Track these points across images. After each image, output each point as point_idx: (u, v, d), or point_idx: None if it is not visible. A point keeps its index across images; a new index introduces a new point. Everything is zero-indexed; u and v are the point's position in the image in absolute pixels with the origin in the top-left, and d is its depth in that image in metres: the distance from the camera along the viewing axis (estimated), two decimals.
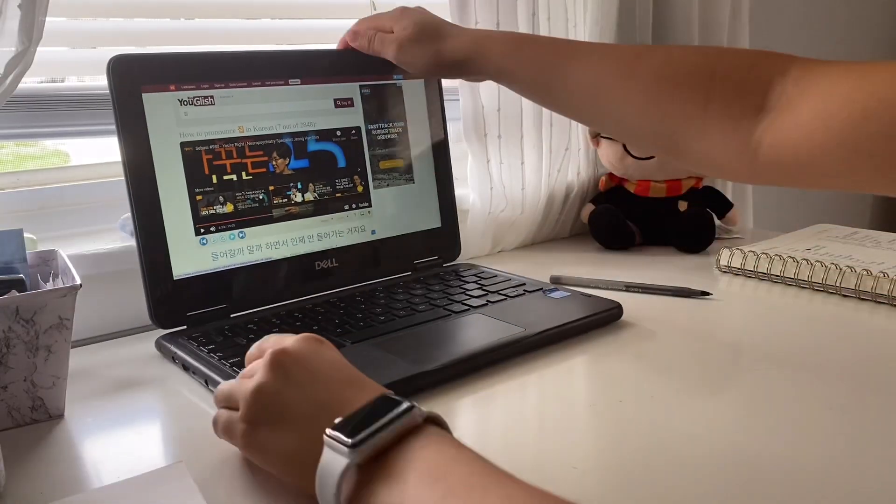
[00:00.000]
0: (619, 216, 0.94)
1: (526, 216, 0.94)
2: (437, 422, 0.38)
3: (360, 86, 0.76)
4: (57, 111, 0.72)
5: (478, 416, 0.53)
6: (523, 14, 0.87)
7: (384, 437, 0.36)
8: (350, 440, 0.35)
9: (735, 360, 0.62)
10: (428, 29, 0.68)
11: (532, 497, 0.32)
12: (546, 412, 0.53)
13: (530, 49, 0.63)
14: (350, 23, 0.89)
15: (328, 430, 0.37)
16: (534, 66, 0.62)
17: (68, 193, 0.76)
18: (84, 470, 0.47)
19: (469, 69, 0.67)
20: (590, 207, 0.97)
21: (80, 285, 0.50)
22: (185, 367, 0.59)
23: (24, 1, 0.56)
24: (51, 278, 0.57)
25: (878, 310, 0.70)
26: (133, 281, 0.70)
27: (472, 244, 0.91)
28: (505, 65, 0.64)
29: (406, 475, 0.34)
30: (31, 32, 0.56)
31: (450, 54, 0.67)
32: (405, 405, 0.37)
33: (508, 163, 0.90)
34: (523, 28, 0.87)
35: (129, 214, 0.74)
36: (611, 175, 0.98)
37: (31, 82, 0.75)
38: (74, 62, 0.76)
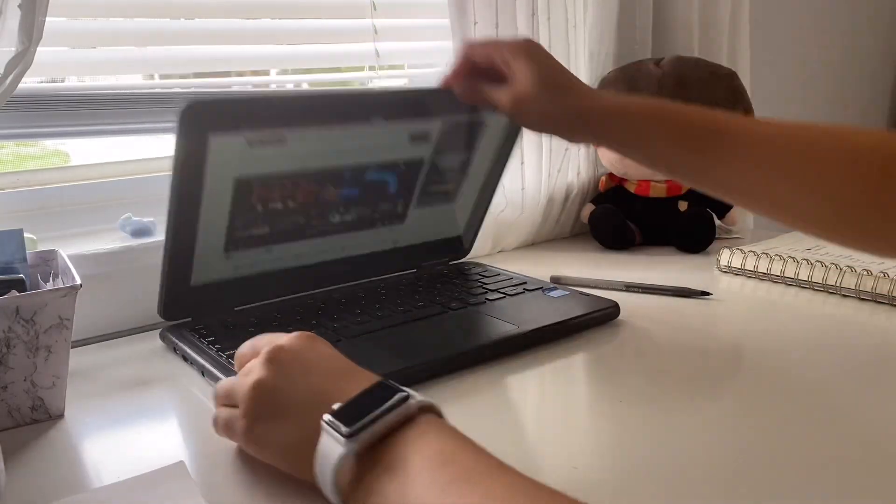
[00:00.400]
0: (619, 216, 0.94)
1: (526, 216, 0.94)
2: (433, 410, 0.39)
3: (444, 121, 0.70)
4: (57, 111, 0.72)
5: (475, 413, 0.53)
6: (523, 14, 0.87)
7: (381, 425, 0.36)
8: (347, 429, 0.36)
9: (735, 359, 0.62)
10: (552, 81, 0.59)
11: (532, 487, 0.33)
12: (545, 410, 0.53)
13: (676, 123, 0.55)
14: (351, 23, 0.90)
15: (326, 417, 0.37)
16: (681, 144, 0.55)
17: (68, 193, 0.76)
18: (84, 470, 0.47)
19: (591, 133, 0.60)
20: (590, 207, 0.97)
21: (80, 285, 0.50)
22: (185, 358, 0.61)
23: (24, 1, 0.56)
24: (51, 278, 0.57)
25: (878, 310, 0.70)
26: (133, 281, 0.70)
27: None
28: (642, 137, 0.56)
29: (409, 462, 0.35)
30: (31, 32, 0.56)
31: (577, 116, 0.58)
32: (402, 393, 0.38)
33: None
34: (522, 28, 0.87)
35: (129, 214, 0.74)
36: (611, 175, 0.98)
37: (31, 82, 0.75)
38: (74, 62, 0.76)
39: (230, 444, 0.47)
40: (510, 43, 0.61)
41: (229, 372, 0.54)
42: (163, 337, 0.65)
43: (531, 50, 0.60)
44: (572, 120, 0.59)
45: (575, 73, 0.93)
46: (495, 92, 0.61)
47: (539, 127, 0.63)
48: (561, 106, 0.58)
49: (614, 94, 0.62)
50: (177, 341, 0.62)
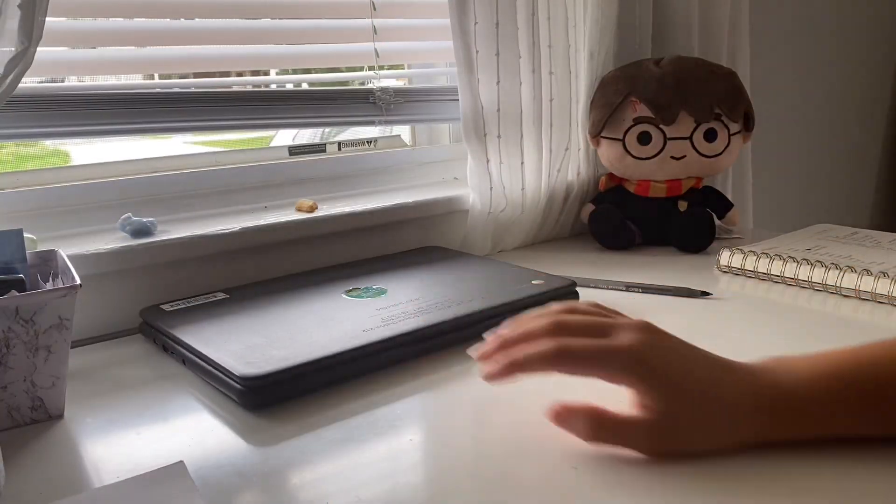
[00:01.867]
0: (619, 216, 0.94)
1: (526, 216, 0.94)
2: None
3: None
4: (57, 111, 0.72)
5: (474, 411, 0.53)
6: (523, 14, 0.87)
7: None
8: None
9: (735, 359, 0.61)
10: (705, 409, 0.44)
11: None
12: (544, 410, 0.53)
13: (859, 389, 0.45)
14: (351, 23, 0.90)
15: None
16: (875, 408, 0.44)
17: (68, 193, 0.76)
18: (84, 470, 0.47)
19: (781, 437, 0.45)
20: (590, 207, 0.97)
21: (80, 285, 0.50)
22: (165, 348, 0.62)
23: (24, 1, 0.56)
24: (51, 278, 0.57)
25: (878, 310, 0.70)
26: (133, 281, 0.70)
27: (473, 244, 0.91)
28: (846, 420, 0.45)
29: None
30: (31, 32, 0.57)
31: (759, 438, 0.44)
32: None
33: (508, 163, 0.90)
34: (522, 28, 0.87)
35: (129, 214, 0.74)
36: (611, 175, 0.98)
37: (31, 82, 0.75)
38: (74, 62, 0.77)
39: (231, 445, 0.47)
40: (614, 351, 0.46)
41: (210, 361, 0.54)
42: (142, 329, 0.66)
43: (647, 362, 0.45)
44: (751, 439, 0.45)
45: (575, 73, 0.95)
46: (621, 435, 0.45)
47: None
48: (724, 433, 0.44)
49: (784, 369, 0.48)
50: (157, 332, 0.63)
